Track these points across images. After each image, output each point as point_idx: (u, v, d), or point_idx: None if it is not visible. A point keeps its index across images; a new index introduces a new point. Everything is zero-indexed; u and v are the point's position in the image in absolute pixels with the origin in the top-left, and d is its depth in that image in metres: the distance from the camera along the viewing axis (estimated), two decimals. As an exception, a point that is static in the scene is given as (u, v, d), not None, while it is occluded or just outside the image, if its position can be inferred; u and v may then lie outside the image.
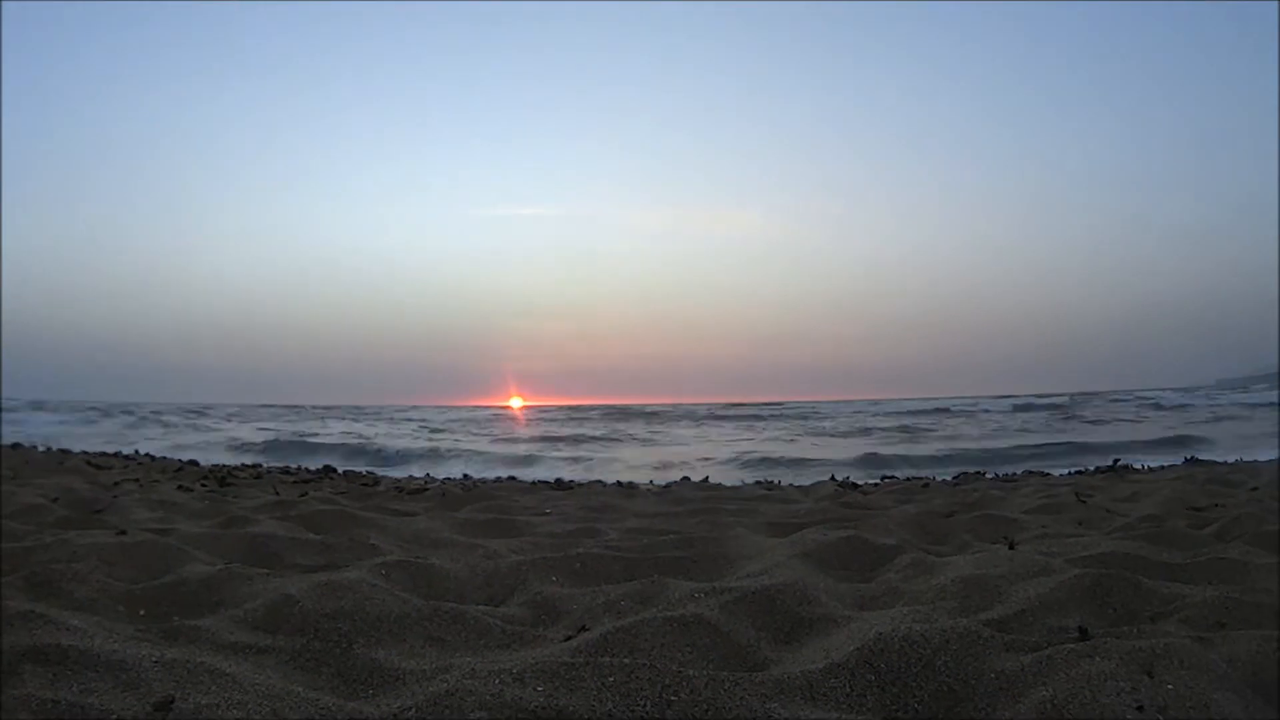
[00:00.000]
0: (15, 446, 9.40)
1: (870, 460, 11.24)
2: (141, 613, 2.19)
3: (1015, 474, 7.34)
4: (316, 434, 18.43)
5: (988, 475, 7.30)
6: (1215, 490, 4.57)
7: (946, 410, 29.74)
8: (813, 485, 6.56)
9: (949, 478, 7.26)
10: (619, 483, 6.78)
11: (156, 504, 4.13)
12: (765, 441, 16.54)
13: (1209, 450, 10.06)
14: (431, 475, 8.40)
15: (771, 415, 30.85)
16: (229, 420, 27.12)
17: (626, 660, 1.65)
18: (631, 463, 11.75)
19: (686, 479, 7.51)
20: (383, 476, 7.44)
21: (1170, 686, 1.47)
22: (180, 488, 5.03)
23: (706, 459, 12.05)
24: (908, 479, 7.24)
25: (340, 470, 7.82)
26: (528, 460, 12.48)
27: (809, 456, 11.97)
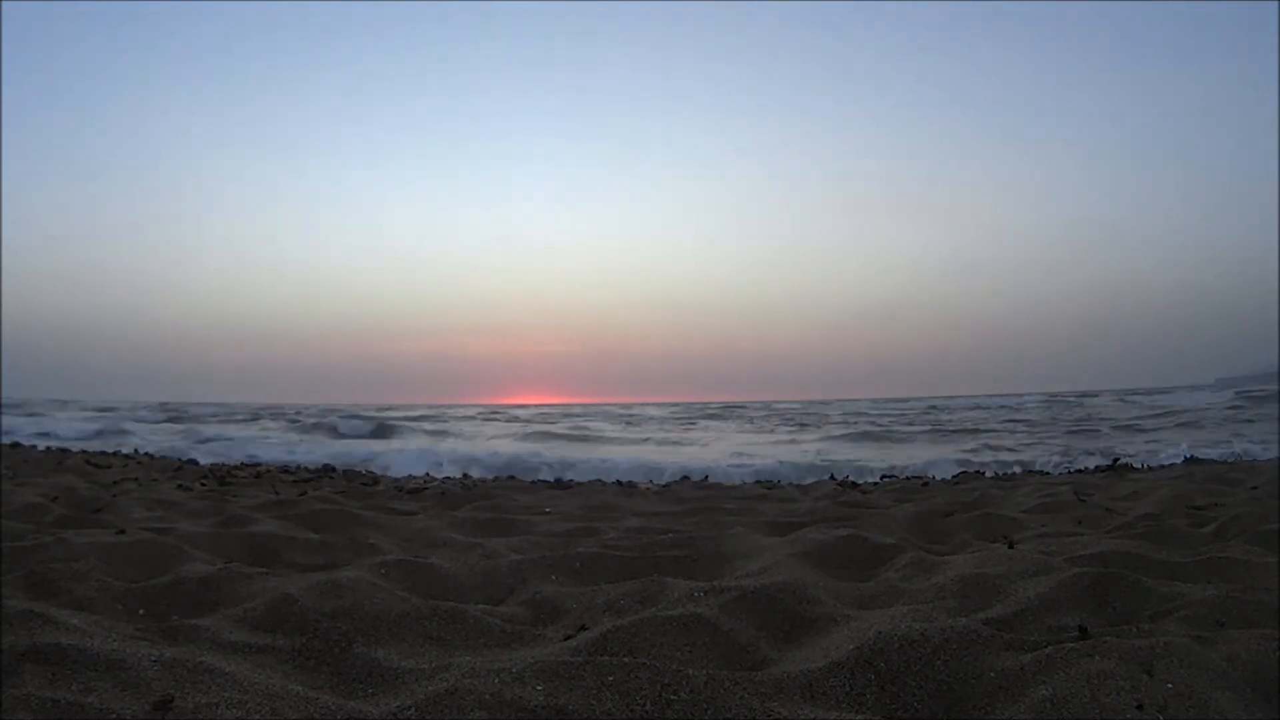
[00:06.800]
0: (14, 446, 9.39)
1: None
2: (141, 612, 2.19)
3: (1014, 473, 7.34)
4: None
5: (987, 474, 7.30)
6: (1215, 489, 4.57)
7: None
8: (812, 484, 6.57)
9: (948, 476, 7.26)
10: (618, 482, 6.78)
11: (156, 503, 4.13)
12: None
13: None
14: (431, 474, 8.40)
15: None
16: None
17: (626, 659, 1.65)
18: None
19: (686, 478, 7.52)
20: (382, 475, 7.45)
21: (1170, 685, 1.47)
22: (180, 487, 5.03)
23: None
24: (907, 478, 7.25)
25: (340, 469, 7.83)
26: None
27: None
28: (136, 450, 10.10)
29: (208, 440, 12.54)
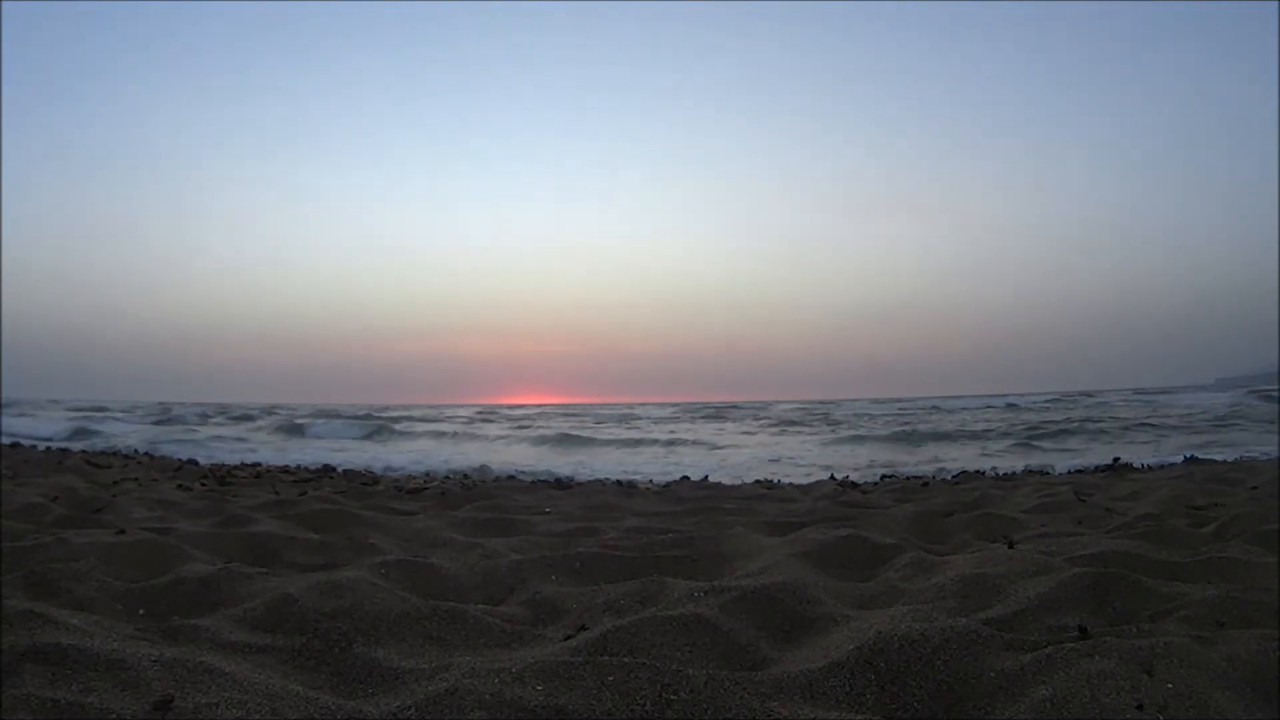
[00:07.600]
0: (15, 446, 9.39)
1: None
2: (141, 612, 2.19)
3: (1014, 473, 7.34)
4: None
5: (987, 474, 7.30)
6: (1215, 489, 4.57)
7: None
8: (812, 484, 6.56)
9: (948, 477, 7.26)
10: (618, 482, 6.78)
11: (156, 503, 4.13)
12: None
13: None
14: (431, 474, 8.40)
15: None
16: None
17: (626, 659, 1.65)
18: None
19: (686, 478, 7.52)
20: (382, 475, 7.45)
21: (1170, 685, 1.47)
22: (179, 487, 5.03)
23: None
24: (907, 478, 7.24)
25: (340, 469, 7.83)
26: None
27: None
28: (136, 450, 10.09)
29: (176, 441, 12.46)
